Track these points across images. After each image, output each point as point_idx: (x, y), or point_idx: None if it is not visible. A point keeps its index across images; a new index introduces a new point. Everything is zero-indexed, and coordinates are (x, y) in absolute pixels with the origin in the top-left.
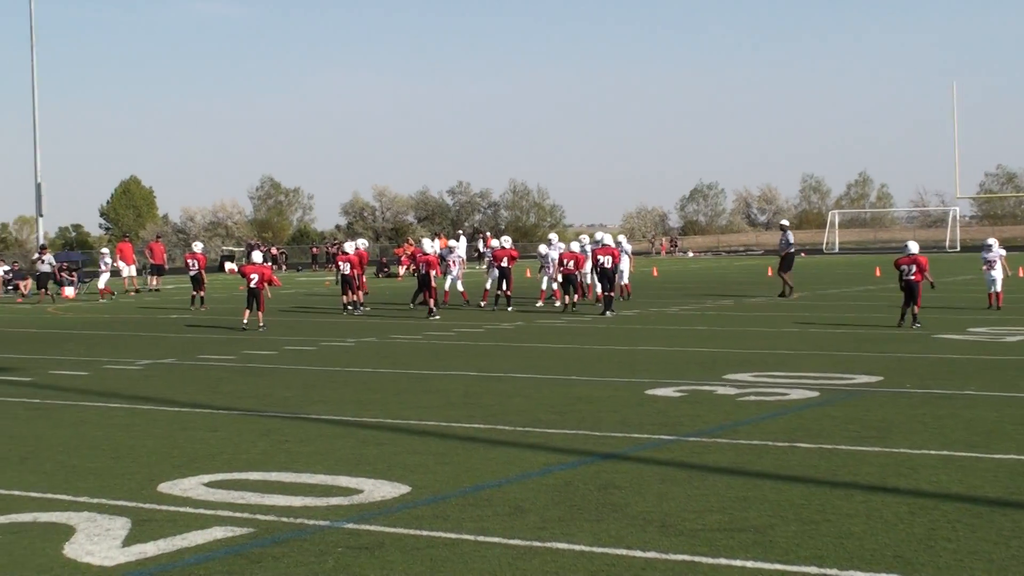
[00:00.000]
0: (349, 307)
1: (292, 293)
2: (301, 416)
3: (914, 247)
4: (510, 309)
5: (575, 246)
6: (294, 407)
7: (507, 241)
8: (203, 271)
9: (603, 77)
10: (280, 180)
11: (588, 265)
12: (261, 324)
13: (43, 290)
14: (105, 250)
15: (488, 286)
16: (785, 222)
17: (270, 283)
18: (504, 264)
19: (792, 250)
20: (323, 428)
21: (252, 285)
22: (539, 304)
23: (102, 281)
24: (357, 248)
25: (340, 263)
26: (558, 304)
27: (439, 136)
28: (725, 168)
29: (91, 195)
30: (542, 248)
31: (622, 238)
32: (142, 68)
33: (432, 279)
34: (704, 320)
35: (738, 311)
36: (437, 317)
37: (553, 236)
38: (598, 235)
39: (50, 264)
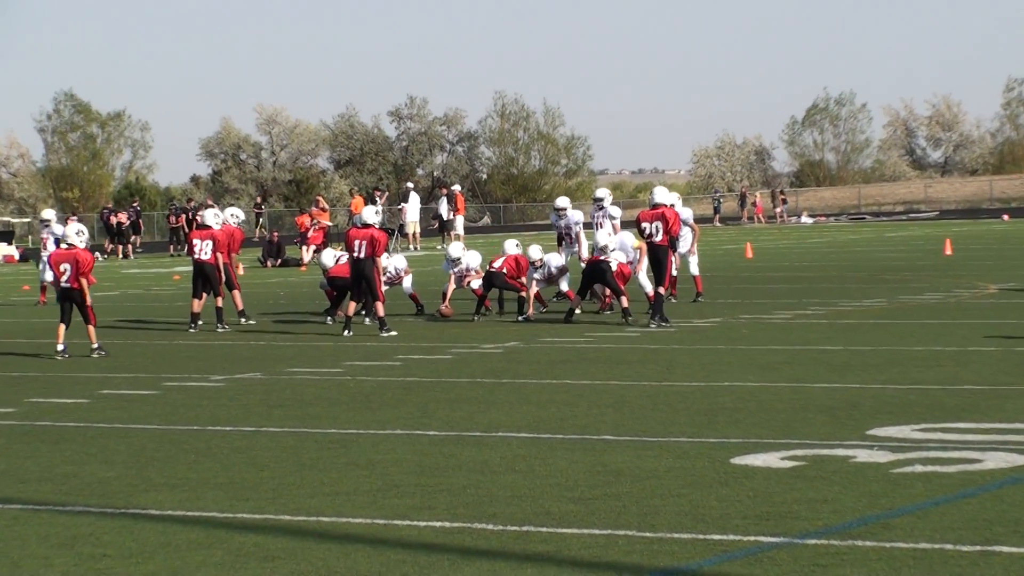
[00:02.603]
0: (198, 322)
1: (115, 296)
2: (131, 511)
3: None
4: (521, 318)
5: (508, 245)
6: (119, 496)
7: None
8: None
9: None
10: (89, 100)
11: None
12: (94, 345)
13: None
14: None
15: (451, 288)
16: None
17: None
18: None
19: None
20: (170, 531)
21: (64, 283)
22: (540, 309)
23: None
24: (225, 222)
25: (195, 242)
26: (538, 310)
27: (374, 25)
28: (865, 71)
29: None
30: (456, 257)
31: (673, 197)
32: None
33: (377, 270)
34: (834, 334)
35: (895, 318)
36: (393, 333)
37: (562, 200)
38: (605, 196)
39: None
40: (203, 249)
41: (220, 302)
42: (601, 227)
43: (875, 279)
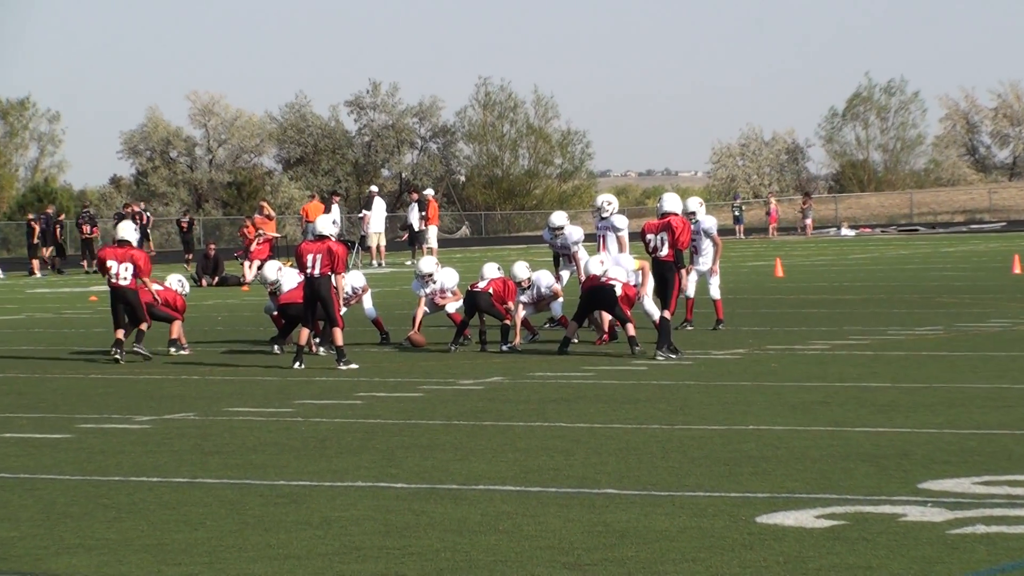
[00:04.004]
0: (119, 351)
1: (20, 320)
2: None
3: None
4: (505, 347)
5: (489, 270)
6: (24, 560)
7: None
8: None
9: None
10: None
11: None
12: None
13: None
14: None
15: (421, 311)
16: None
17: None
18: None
19: None
20: None
21: None
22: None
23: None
24: (169, 286)
25: (110, 264)
26: (522, 340)
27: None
28: (918, 54)
29: None
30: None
31: (695, 203)
32: None
33: (335, 290)
34: (880, 369)
35: (953, 349)
36: (353, 366)
37: (558, 217)
38: (613, 203)
39: None
40: (122, 274)
41: (145, 327)
42: (605, 242)
43: (930, 303)
